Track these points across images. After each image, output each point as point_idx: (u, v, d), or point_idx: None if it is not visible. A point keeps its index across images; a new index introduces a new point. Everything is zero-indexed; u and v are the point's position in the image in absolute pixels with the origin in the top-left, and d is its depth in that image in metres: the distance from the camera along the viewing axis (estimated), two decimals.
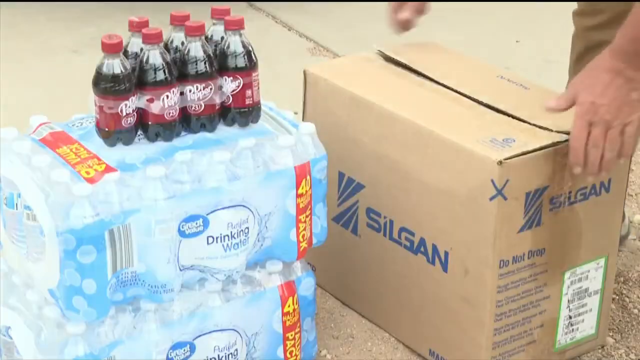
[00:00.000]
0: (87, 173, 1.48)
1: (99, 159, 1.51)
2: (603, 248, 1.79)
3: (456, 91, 1.78)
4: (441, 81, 1.82)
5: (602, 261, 1.80)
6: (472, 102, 1.75)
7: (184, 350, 1.59)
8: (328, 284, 2.01)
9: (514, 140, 1.61)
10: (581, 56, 2.04)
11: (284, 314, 1.69)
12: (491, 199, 1.60)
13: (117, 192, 1.47)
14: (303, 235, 1.67)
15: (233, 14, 1.62)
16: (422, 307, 1.80)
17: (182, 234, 1.53)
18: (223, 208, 1.55)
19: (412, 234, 1.76)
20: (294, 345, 1.72)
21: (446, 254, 1.71)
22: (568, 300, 1.78)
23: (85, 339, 1.51)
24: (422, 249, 1.75)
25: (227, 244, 1.57)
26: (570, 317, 1.80)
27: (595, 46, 1.89)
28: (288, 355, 1.72)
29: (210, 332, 1.61)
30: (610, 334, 1.94)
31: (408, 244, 1.77)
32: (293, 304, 1.69)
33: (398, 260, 1.81)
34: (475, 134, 1.64)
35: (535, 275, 1.70)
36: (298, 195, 1.63)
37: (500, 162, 1.57)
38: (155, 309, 1.56)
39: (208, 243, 1.56)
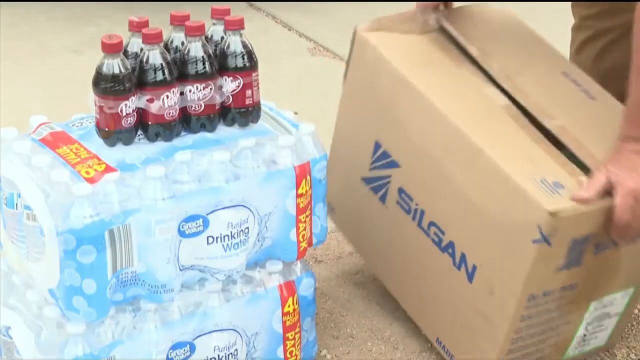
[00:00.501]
0: (87, 173, 1.48)
1: (99, 159, 1.51)
2: (635, 279, 1.75)
3: (513, 99, 1.68)
4: (499, 80, 1.71)
5: (630, 290, 1.76)
6: (528, 122, 1.66)
7: (184, 350, 1.59)
8: (345, 229, 1.98)
9: (563, 187, 1.55)
10: (581, 47, 2.05)
11: (284, 314, 1.69)
12: (534, 242, 1.54)
13: (117, 192, 1.47)
14: (303, 235, 1.67)
15: (233, 14, 1.62)
16: (438, 302, 1.76)
17: (182, 234, 1.53)
18: (223, 208, 1.55)
19: (442, 233, 1.71)
20: (294, 345, 1.72)
21: (474, 267, 1.66)
22: (587, 323, 1.75)
23: (85, 339, 1.51)
24: (449, 250, 1.70)
25: (227, 244, 1.57)
26: (584, 336, 1.78)
27: (594, 36, 1.89)
28: (288, 355, 1.72)
29: (210, 332, 1.61)
30: None
31: (436, 239, 1.72)
32: (293, 304, 1.69)
33: (422, 249, 1.75)
34: (526, 168, 1.57)
35: (561, 306, 1.66)
36: (298, 195, 1.63)
37: (552, 214, 1.50)
38: (155, 309, 1.56)
39: (208, 243, 1.56)
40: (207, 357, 1.63)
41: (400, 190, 1.77)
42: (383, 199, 1.81)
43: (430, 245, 1.72)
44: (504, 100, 1.69)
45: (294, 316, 1.71)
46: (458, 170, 1.65)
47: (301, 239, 1.67)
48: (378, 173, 1.81)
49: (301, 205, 1.64)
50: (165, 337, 1.57)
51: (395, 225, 1.80)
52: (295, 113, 1.82)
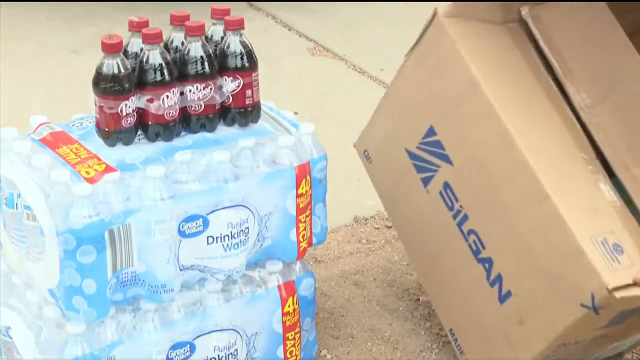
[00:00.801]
0: (87, 173, 1.48)
1: (99, 159, 1.51)
2: None
3: (587, 129, 1.61)
4: (575, 104, 1.62)
5: None
6: (597, 161, 1.58)
7: (184, 350, 1.59)
8: (377, 185, 1.90)
9: (622, 252, 1.49)
10: None
11: (284, 314, 1.69)
12: (582, 306, 1.48)
13: (117, 192, 1.47)
14: (303, 235, 1.67)
15: (233, 14, 1.62)
16: (461, 303, 1.71)
17: (182, 234, 1.53)
18: (223, 208, 1.55)
19: (482, 246, 1.64)
20: (294, 345, 1.72)
21: (509, 292, 1.60)
22: (603, 352, 1.72)
23: (85, 339, 1.51)
24: (485, 265, 1.63)
25: (227, 244, 1.57)
26: (597, 356, 1.74)
27: None
28: (288, 355, 1.72)
29: (210, 332, 1.62)
30: None
31: (474, 248, 1.65)
32: (293, 304, 1.69)
33: (457, 251, 1.68)
34: (589, 223, 1.51)
35: (588, 347, 1.62)
36: (298, 195, 1.63)
37: (610, 291, 1.45)
38: (155, 309, 1.56)
39: (208, 243, 1.56)
40: (207, 357, 1.63)
41: (446, 185, 1.70)
42: (425, 182, 1.73)
43: (466, 250, 1.67)
44: (577, 129, 1.62)
45: (294, 316, 1.71)
46: (516, 202, 1.58)
47: (301, 239, 1.67)
48: (426, 156, 1.73)
49: (301, 205, 1.64)
50: (165, 337, 1.57)
51: (432, 214, 1.74)
52: (296, 113, 1.82)
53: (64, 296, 1.47)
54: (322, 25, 3.47)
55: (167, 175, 1.50)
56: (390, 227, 2.31)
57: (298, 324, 1.72)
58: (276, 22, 3.52)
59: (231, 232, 1.57)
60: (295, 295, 1.70)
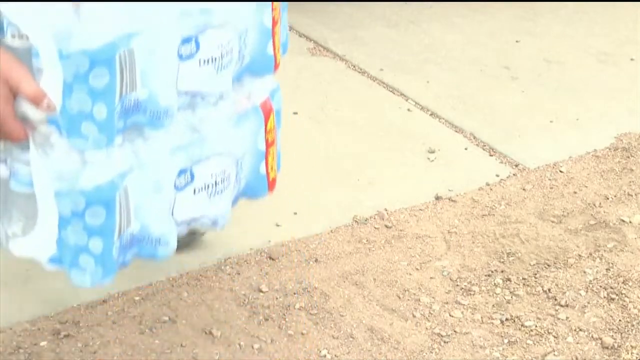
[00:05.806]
0: None
1: None
2: None
3: None
4: None
5: None
6: None
7: (185, 177, 1.59)
8: None
9: None
10: None
11: (266, 132, 1.71)
12: None
13: (120, 14, 1.40)
14: (277, 48, 1.68)
15: None
16: None
17: (179, 57, 1.50)
18: (212, 28, 1.52)
19: None
20: (273, 160, 1.75)
21: None
22: None
23: (98, 167, 1.45)
24: None
25: (218, 66, 1.55)
26: None
27: None
28: (270, 170, 1.75)
29: (207, 158, 1.61)
30: (610, 334, 1.94)
31: None
32: (272, 120, 1.71)
33: None
34: None
35: None
36: (273, 9, 1.64)
37: None
38: (159, 137, 1.53)
39: (200, 65, 1.53)
40: (205, 183, 1.62)
41: None
42: None
43: None
44: None
45: (273, 133, 1.73)
46: None
47: (276, 52, 1.68)
48: None
49: (276, 18, 1.66)
50: (170, 164, 1.55)
51: None
52: (295, 113, 1.81)
53: (68, 123, 1.40)
54: (322, 25, 3.48)
55: None
56: (390, 227, 2.31)
57: (275, 140, 1.74)
58: None
59: (221, 53, 1.54)
60: (273, 112, 1.71)
